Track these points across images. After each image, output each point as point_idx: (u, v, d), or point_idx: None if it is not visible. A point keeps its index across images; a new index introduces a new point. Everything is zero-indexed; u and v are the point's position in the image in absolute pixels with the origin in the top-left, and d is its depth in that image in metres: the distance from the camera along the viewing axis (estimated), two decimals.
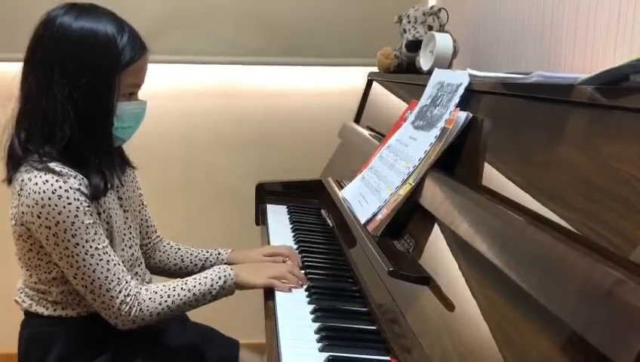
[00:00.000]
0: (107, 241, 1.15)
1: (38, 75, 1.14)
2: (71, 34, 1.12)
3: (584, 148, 0.73)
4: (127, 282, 1.14)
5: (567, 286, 0.60)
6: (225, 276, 1.22)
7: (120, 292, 1.13)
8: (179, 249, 1.46)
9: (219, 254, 1.44)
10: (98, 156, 1.15)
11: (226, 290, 1.22)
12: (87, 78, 1.12)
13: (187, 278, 1.22)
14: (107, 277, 1.12)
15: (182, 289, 1.19)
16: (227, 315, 1.73)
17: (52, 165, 1.10)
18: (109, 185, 1.17)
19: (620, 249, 0.61)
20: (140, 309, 1.14)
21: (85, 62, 1.12)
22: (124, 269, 1.16)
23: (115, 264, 1.14)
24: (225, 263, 1.41)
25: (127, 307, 1.13)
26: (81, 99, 1.12)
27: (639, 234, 0.59)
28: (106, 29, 1.13)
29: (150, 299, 1.16)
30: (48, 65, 1.12)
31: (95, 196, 1.13)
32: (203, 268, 1.41)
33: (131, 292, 1.14)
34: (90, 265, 1.10)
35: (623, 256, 0.60)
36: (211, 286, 1.20)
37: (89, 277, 1.11)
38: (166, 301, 1.17)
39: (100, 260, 1.11)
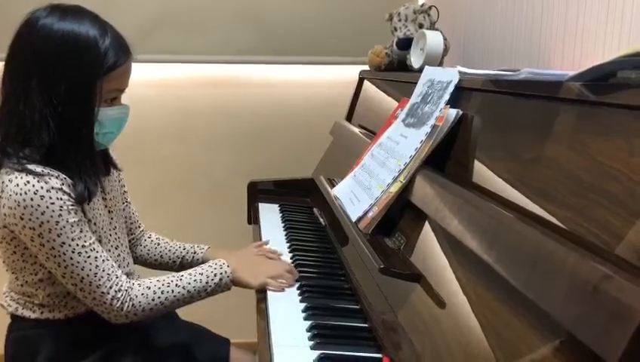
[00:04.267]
0: (94, 238, 1.14)
1: (17, 79, 1.11)
2: (52, 37, 1.09)
3: (572, 145, 0.73)
4: (117, 277, 1.14)
5: (555, 282, 0.60)
6: (221, 273, 1.21)
7: (111, 288, 1.12)
8: (158, 244, 1.47)
9: (194, 253, 1.44)
10: (79, 163, 1.13)
11: (222, 287, 1.22)
12: (67, 83, 1.09)
13: (182, 273, 1.21)
14: (96, 274, 1.11)
15: (176, 285, 1.18)
16: (218, 314, 1.73)
17: (32, 166, 1.08)
18: (92, 193, 1.15)
19: (608, 244, 0.61)
20: (133, 305, 1.14)
21: (65, 67, 1.09)
22: (114, 264, 1.15)
23: (103, 260, 1.13)
24: (200, 262, 1.40)
25: (119, 302, 1.13)
26: (60, 105, 1.09)
27: (627, 229, 0.59)
28: (87, 32, 1.10)
29: (143, 294, 1.16)
30: (27, 68, 1.10)
31: (78, 202, 1.12)
32: (181, 265, 1.44)
33: (122, 288, 1.14)
34: (78, 263, 1.10)
35: (611, 252, 0.60)
36: (206, 283, 1.20)
37: (78, 275, 1.10)
38: (159, 297, 1.17)
39: (88, 257, 1.11)
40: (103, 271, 1.12)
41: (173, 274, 1.22)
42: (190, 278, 1.20)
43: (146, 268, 1.47)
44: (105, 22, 1.16)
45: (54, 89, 1.09)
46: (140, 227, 1.46)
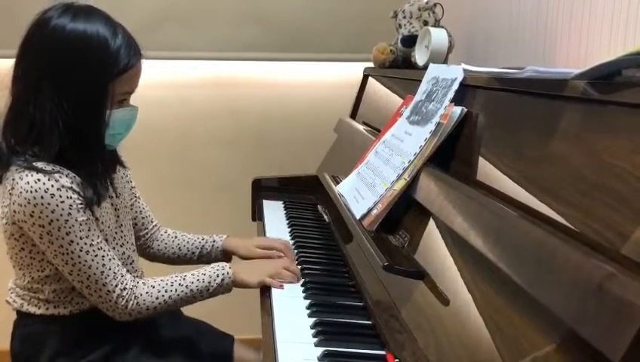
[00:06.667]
0: (101, 237, 1.14)
1: (27, 80, 1.11)
2: (63, 38, 1.09)
3: (577, 143, 0.73)
4: (122, 276, 1.15)
5: (559, 279, 0.60)
6: (223, 274, 1.22)
7: (116, 286, 1.13)
8: (176, 237, 1.47)
9: (214, 242, 1.45)
10: (88, 165, 1.13)
11: (223, 288, 1.22)
12: (78, 85, 1.09)
13: (185, 274, 1.22)
14: (103, 272, 1.12)
15: (179, 284, 1.19)
16: (222, 310, 1.73)
17: (42, 165, 1.08)
18: (101, 196, 1.15)
19: (613, 243, 0.61)
20: (137, 303, 1.16)
21: (76, 70, 1.09)
22: (120, 264, 1.16)
23: (110, 259, 1.14)
24: (220, 250, 1.43)
25: (124, 301, 1.14)
26: (70, 107, 1.09)
27: (632, 228, 0.59)
28: (98, 34, 1.10)
29: (147, 293, 1.17)
30: (37, 69, 1.10)
31: (87, 205, 1.12)
32: (200, 256, 1.44)
33: (127, 286, 1.15)
34: (86, 261, 1.11)
35: (616, 250, 0.60)
36: (209, 283, 1.21)
37: (85, 273, 1.11)
38: (163, 295, 1.18)
39: (95, 256, 1.12)
40: (110, 269, 1.13)
41: (177, 274, 1.23)
42: (193, 278, 1.21)
43: (164, 263, 1.47)
44: (117, 23, 1.15)
45: (65, 91, 1.09)
46: (153, 221, 1.46)
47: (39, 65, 1.10)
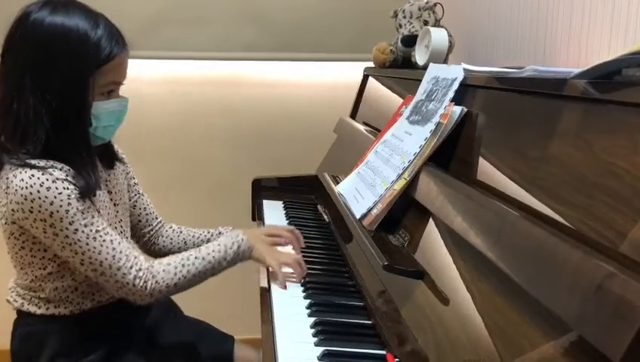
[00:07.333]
0: (106, 223, 1.13)
1: (10, 76, 1.11)
2: (42, 32, 1.08)
3: (577, 142, 0.73)
4: (135, 257, 1.14)
5: (559, 279, 0.60)
6: (239, 241, 1.22)
7: (131, 268, 1.12)
8: (181, 232, 1.46)
9: (219, 234, 1.44)
10: (76, 158, 1.12)
11: (240, 256, 1.22)
12: (59, 78, 1.09)
13: (200, 248, 1.21)
14: (114, 256, 1.11)
15: (196, 258, 1.18)
16: (222, 310, 1.73)
17: (34, 161, 1.08)
18: (91, 188, 1.13)
19: (613, 242, 0.61)
20: (156, 281, 1.14)
21: (56, 62, 1.09)
22: (129, 246, 1.15)
23: (119, 242, 1.12)
24: None
25: (142, 281, 1.12)
26: (54, 101, 1.08)
27: (631, 227, 0.59)
28: (77, 25, 1.09)
29: (164, 270, 1.15)
30: (20, 65, 1.10)
31: (84, 195, 1.11)
32: None
33: (143, 266, 1.13)
34: (94, 247, 1.09)
35: (615, 249, 0.60)
36: (225, 252, 1.20)
37: (96, 259, 1.10)
38: (181, 271, 1.16)
39: (104, 241, 1.10)
40: (121, 252, 1.12)
41: (191, 249, 1.21)
42: (209, 249, 1.20)
43: None
44: (97, 14, 1.14)
45: (47, 85, 1.09)
46: (157, 218, 1.45)
47: (21, 60, 1.10)
